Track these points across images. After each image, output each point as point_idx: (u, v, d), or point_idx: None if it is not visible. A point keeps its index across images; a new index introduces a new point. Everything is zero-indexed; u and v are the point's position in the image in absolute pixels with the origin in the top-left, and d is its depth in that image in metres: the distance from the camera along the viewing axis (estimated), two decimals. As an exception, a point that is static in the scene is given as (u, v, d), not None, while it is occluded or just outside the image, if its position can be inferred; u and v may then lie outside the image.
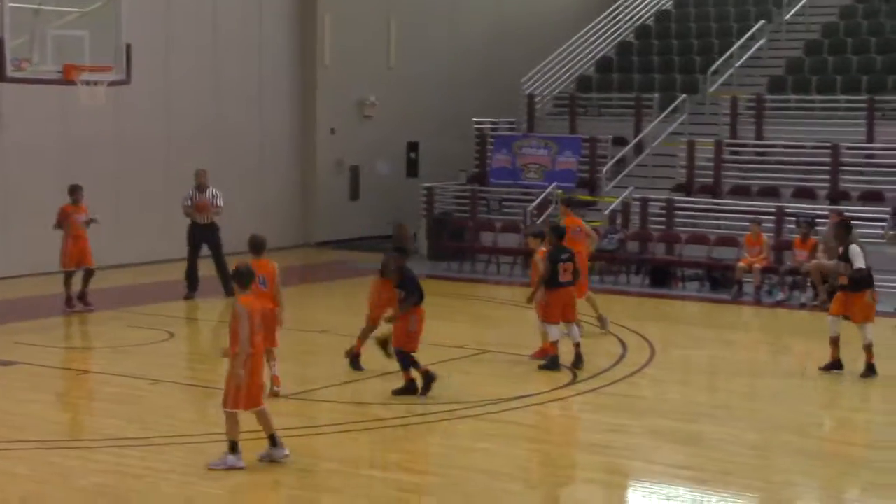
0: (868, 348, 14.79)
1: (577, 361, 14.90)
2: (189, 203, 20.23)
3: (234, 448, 10.68)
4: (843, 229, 15.63)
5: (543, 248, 15.27)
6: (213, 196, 20.23)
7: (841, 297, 15.01)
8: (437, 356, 14.59)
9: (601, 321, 17.32)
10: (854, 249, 14.90)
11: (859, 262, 14.82)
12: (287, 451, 10.84)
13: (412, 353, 13.42)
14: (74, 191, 19.03)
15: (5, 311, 18.98)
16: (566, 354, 14.90)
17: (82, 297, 18.97)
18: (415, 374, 13.45)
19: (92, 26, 16.66)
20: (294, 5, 27.40)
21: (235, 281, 11.07)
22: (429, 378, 13.45)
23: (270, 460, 10.77)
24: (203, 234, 20.26)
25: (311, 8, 27.48)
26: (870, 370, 14.75)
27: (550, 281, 14.86)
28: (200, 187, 20.25)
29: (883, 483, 10.92)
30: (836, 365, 14.93)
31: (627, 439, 12.37)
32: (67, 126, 22.41)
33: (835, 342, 14.91)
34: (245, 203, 25.09)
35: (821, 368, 14.97)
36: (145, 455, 11.06)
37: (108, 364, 15.52)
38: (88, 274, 18.97)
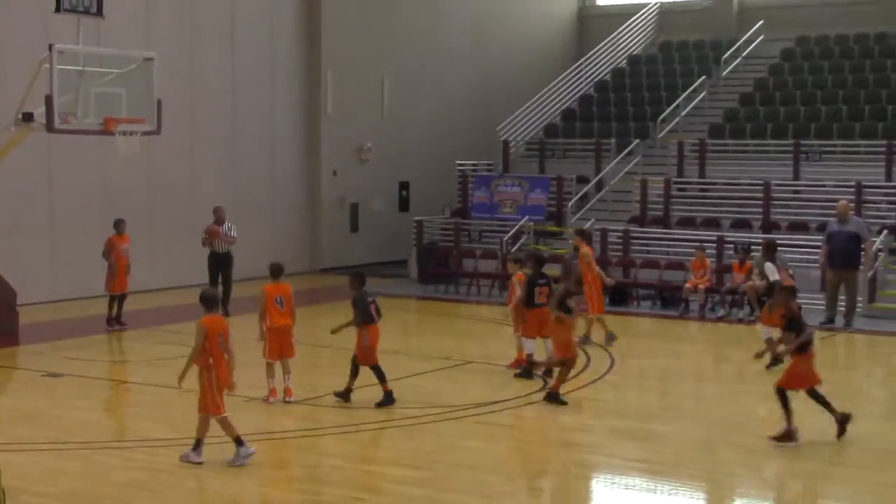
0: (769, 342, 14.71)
1: (548, 371, 14.86)
2: (203, 234, 20.23)
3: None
4: (768, 250, 15.76)
5: (520, 273, 15.24)
6: (228, 228, 20.19)
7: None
8: (426, 367, 14.58)
9: (585, 339, 17.19)
10: (768, 266, 15.07)
11: (773, 276, 14.95)
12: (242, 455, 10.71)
13: (376, 366, 13.18)
14: (118, 223, 18.93)
15: (55, 329, 18.91)
16: (538, 364, 14.87)
17: (117, 317, 18.87)
18: (354, 384, 13.13)
19: (128, 84, 16.65)
20: (302, 63, 27.39)
21: (201, 303, 10.96)
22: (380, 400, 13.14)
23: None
24: (220, 263, 20.21)
25: (316, 66, 27.49)
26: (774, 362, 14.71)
27: (528, 302, 14.81)
28: (218, 221, 20.23)
29: (809, 471, 10.97)
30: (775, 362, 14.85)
31: (591, 437, 12.39)
32: (107, 170, 22.35)
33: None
34: (259, 235, 25.12)
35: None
36: (175, 454, 11.01)
37: (143, 375, 15.47)
38: (123, 297, 18.89)
